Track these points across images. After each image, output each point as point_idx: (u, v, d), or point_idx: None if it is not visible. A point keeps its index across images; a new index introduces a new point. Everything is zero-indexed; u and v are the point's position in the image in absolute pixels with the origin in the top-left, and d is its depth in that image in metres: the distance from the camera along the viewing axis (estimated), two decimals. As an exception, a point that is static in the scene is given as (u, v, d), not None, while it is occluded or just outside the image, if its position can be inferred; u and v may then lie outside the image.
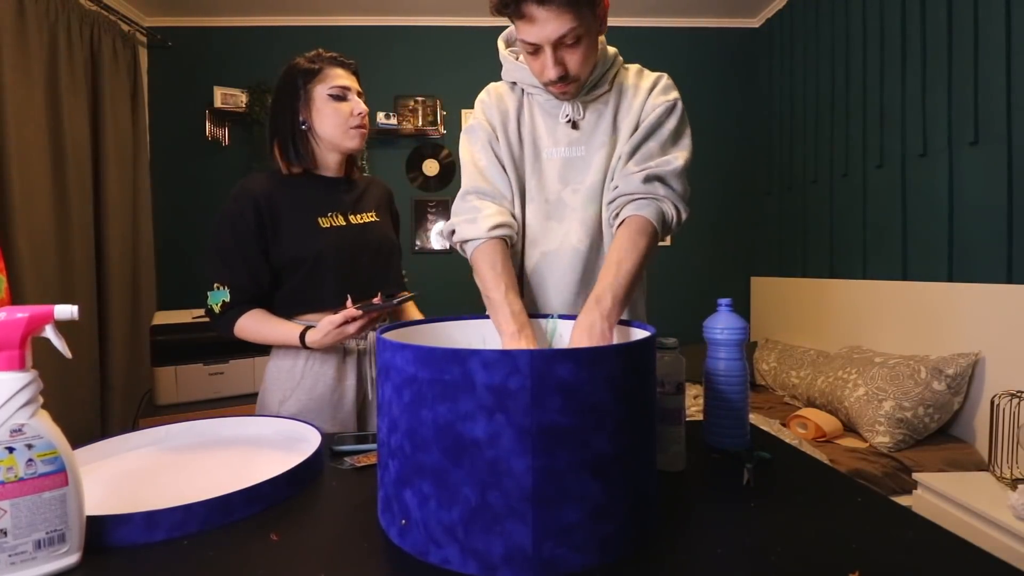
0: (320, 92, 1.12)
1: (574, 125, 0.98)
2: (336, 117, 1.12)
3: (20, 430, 0.52)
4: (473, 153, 1.00)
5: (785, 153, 3.21)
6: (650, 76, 1.01)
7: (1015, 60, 1.85)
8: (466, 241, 0.94)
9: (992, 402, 1.66)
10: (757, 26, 3.51)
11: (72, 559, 0.54)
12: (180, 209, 3.27)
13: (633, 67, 1.03)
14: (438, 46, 3.38)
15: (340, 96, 1.12)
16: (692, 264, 3.51)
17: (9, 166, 2.20)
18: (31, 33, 2.36)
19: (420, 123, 3.36)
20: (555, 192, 0.99)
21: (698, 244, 3.52)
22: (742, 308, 3.51)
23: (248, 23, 3.33)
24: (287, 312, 1.13)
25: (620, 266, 0.85)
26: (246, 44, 3.32)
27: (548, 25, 0.83)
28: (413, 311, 1.35)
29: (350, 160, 1.23)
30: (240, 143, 3.27)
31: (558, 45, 0.86)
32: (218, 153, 3.27)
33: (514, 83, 1.02)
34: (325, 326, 1.06)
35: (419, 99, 3.38)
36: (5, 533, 0.51)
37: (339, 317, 1.05)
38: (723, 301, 0.88)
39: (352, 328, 1.06)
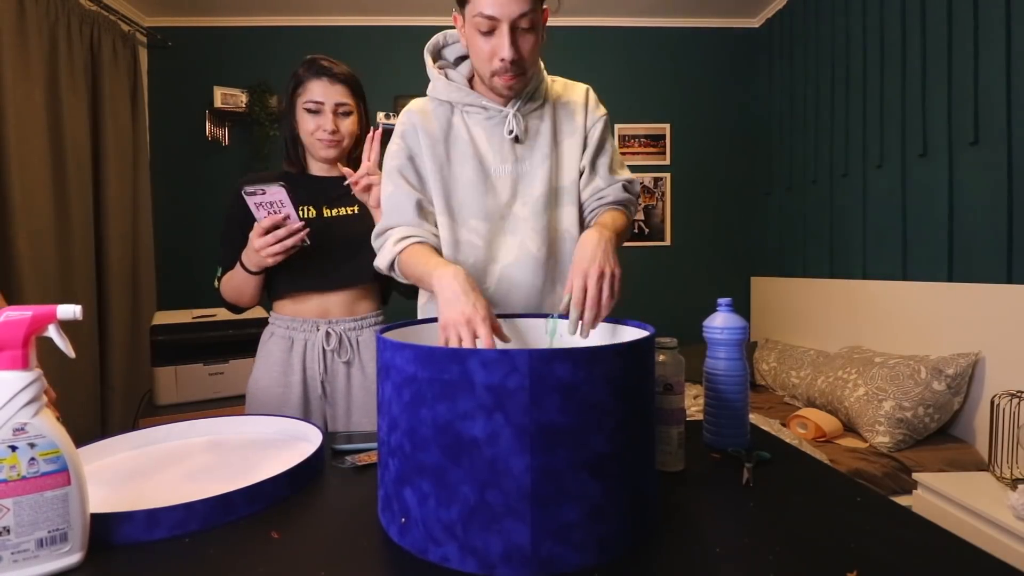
0: (300, 104, 1.18)
1: (517, 139, 0.99)
2: (309, 128, 1.19)
3: (23, 429, 0.52)
4: (385, 187, 1.02)
5: (785, 153, 3.21)
6: (578, 89, 1.05)
7: (1015, 60, 1.85)
8: (389, 267, 0.98)
9: (992, 402, 1.66)
10: (757, 26, 3.51)
11: (74, 558, 0.54)
12: (180, 209, 3.27)
13: (558, 80, 1.06)
14: (438, 46, 3.38)
15: (314, 111, 1.18)
16: (692, 264, 3.51)
17: (9, 166, 2.20)
18: (31, 33, 2.36)
19: (420, 123, 3.36)
20: (507, 207, 1.00)
21: (698, 244, 3.51)
22: (742, 308, 3.51)
23: (248, 23, 3.33)
24: (270, 297, 1.24)
25: (614, 220, 0.94)
26: (246, 44, 3.32)
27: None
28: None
29: (356, 159, 1.25)
30: (240, 143, 3.27)
31: (515, 26, 0.87)
32: (218, 153, 3.27)
33: (442, 101, 1.02)
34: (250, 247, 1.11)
35: (419, 99, 3.37)
36: (8, 531, 0.51)
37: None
38: (723, 301, 0.88)
39: (257, 244, 1.08)
